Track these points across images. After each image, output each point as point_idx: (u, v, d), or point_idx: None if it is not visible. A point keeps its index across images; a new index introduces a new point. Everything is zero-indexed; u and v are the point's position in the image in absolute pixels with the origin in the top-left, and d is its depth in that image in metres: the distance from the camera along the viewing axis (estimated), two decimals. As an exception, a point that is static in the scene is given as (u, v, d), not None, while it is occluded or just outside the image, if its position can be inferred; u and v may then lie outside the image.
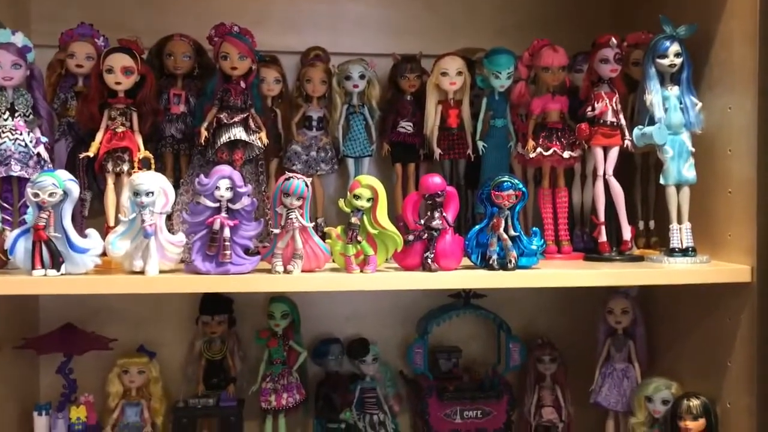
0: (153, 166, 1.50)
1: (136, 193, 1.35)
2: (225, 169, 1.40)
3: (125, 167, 1.51)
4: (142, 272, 1.36)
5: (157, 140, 1.67)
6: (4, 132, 1.44)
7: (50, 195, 1.32)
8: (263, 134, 1.59)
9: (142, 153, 1.51)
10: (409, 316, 1.97)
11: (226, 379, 1.85)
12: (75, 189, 1.36)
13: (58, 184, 1.33)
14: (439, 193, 1.46)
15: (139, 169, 1.49)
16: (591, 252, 1.67)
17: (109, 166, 1.51)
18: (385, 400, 1.90)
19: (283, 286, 1.42)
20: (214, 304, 1.84)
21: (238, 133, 1.55)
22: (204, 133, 1.55)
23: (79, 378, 1.78)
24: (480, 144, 1.73)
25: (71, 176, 1.37)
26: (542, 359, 1.89)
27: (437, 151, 1.73)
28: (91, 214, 1.63)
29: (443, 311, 1.90)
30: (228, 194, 1.38)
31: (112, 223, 1.51)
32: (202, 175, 1.40)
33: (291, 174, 1.41)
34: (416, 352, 1.87)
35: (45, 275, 1.33)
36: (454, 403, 1.86)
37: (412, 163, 1.79)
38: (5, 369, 1.70)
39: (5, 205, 1.46)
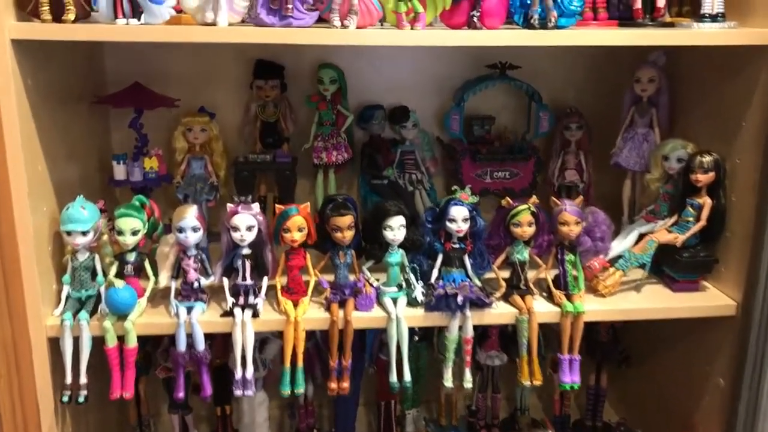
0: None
1: (205, -51, 1.41)
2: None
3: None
4: (212, 24, 1.43)
5: None
6: None
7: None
8: None
9: None
10: (447, 87, 2.03)
11: (281, 139, 1.96)
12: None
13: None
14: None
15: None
16: (625, 20, 1.71)
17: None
18: (422, 162, 2.01)
19: (339, 39, 1.47)
20: (267, 69, 1.92)
21: None
22: None
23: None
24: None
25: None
26: (569, 126, 1.98)
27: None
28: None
29: (479, 81, 1.97)
30: (288, -47, 1.44)
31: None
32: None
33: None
34: (453, 118, 1.96)
35: (127, 24, 1.40)
36: (485, 164, 1.97)
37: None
38: (83, 123, 1.79)
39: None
